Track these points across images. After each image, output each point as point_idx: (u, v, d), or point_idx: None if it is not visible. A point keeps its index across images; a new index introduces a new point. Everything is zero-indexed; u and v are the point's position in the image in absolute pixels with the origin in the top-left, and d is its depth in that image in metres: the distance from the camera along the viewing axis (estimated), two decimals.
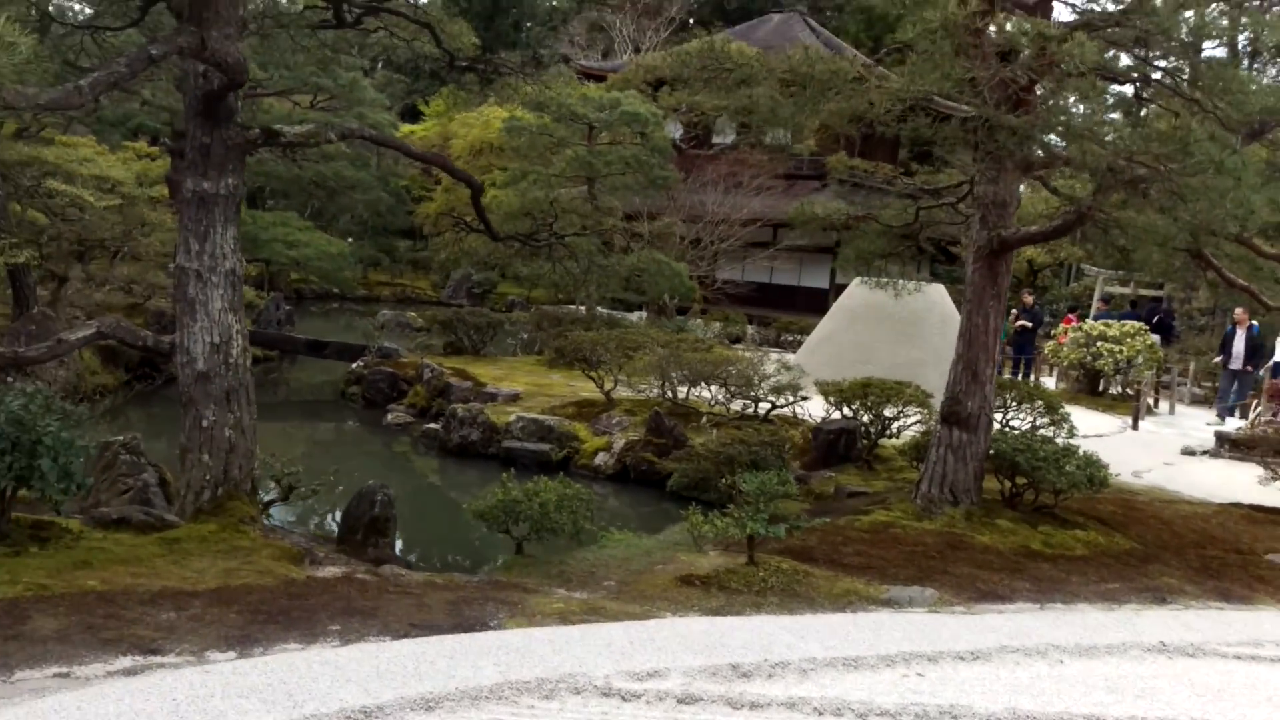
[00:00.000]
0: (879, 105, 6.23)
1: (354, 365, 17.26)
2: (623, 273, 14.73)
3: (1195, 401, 19.35)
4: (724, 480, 8.44)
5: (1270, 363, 16.80)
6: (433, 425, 14.52)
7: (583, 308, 23.98)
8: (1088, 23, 5.86)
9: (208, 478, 7.35)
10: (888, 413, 11.10)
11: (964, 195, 10.96)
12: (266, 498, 7.88)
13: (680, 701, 3.91)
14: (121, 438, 8.20)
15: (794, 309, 29.61)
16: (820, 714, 3.88)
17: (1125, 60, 6.20)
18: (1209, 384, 20.05)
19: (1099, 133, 5.60)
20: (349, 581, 6.40)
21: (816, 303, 30.46)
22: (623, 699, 3.88)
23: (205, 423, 7.35)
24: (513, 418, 13.61)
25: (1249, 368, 17.10)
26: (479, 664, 4.22)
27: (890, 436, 11.24)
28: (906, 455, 9.56)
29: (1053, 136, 6.64)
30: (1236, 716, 4.34)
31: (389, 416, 15.48)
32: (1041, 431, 10.79)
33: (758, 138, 29.58)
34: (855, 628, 5.21)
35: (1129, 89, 6.17)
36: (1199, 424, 16.60)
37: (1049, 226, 8.19)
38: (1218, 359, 18.00)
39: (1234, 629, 5.72)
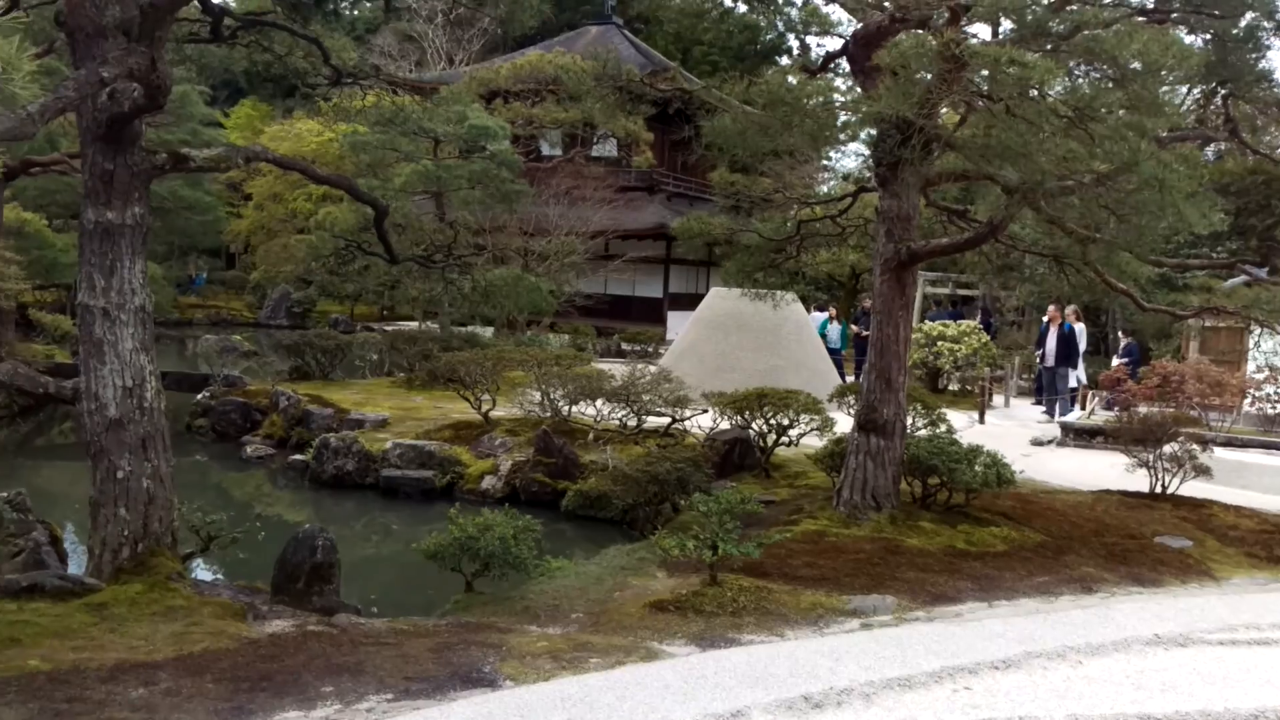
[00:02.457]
0: (852, 128, 6.43)
1: (200, 396, 16.21)
2: (496, 289, 14.50)
3: (1021, 394, 20.71)
4: (663, 501, 8.39)
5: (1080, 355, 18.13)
6: (298, 456, 13.83)
7: (416, 324, 23.38)
8: (1023, 38, 6.24)
9: (126, 533, 6.73)
10: (783, 421, 11.34)
11: (845, 209, 11.38)
12: (185, 550, 7.28)
13: None
14: (5, 494, 7.41)
15: (630, 318, 29.94)
16: None
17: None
18: (1027, 376, 21.52)
19: (1040, 148, 5.94)
20: (315, 636, 5.99)
21: (652, 312, 30.95)
22: None
23: (120, 474, 6.72)
24: (388, 445, 13.13)
25: (1061, 366, 18.14)
26: None
27: (788, 444, 11.49)
28: (822, 464, 9.80)
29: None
30: (1252, 703, 4.69)
31: (248, 449, 14.62)
32: (921, 432, 11.34)
33: (587, 151, 29.77)
34: (878, 644, 5.31)
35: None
36: (1032, 416, 17.80)
37: (960, 239, 8.59)
38: (1039, 353, 19.26)
39: (1203, 615, 6.18)
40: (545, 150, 30.21)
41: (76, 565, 7.72)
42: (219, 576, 9.06)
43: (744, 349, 17.05)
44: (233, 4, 12.38)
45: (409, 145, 19.03)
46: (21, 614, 5.94)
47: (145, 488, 6.80)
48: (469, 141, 19.14)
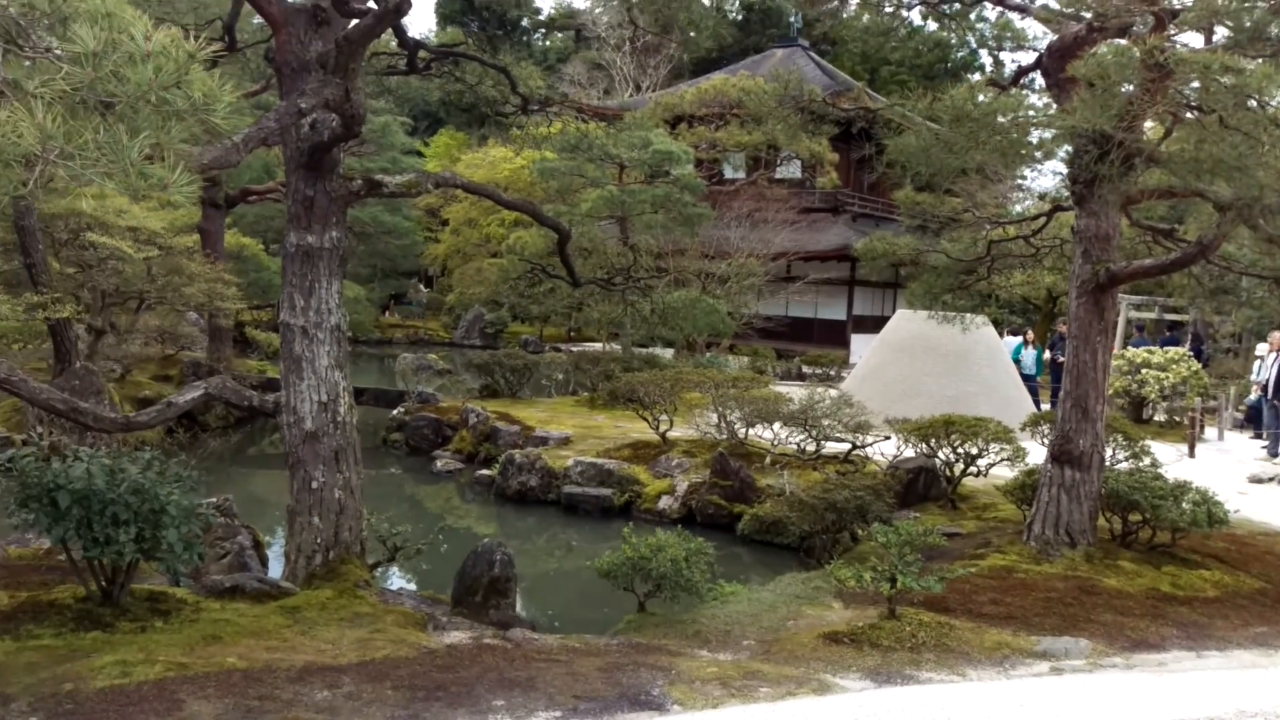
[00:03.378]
0: (1047, 144, 6.14)
1: (395, 411, 16.98)
2: (673, 311, 14.64)
3: (1237, 426, 19.19)
4: (840, 530, 8.17)
5: None
6: (485, 471, 14.25)
7: (601, 345, 23.74)
8: (1238, 44, 5.78)
9: (319, 541, 7.09)
10: (971, 450, 10.87)
11: (1039, 229, 10.86)
12: (371, 559, 7.60)
13: None
14: (214, 499, 7.93)
15: (811, 341, 29.53)
16: None
17: None
18: (1244, 408, 19.83)
19: (1258, 161, 5.47)
20: (489, 649, 6.12)
21: (834, 335, 30.43)
22: None
23: (315, 484, 7.09)
24: (570, 462, 13.36)
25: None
26: None
27: (976, 474, 11.01)
28: (1013, 496, 9.33)
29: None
30: None
31: (438, 463, 15.19)
32: (1122, 465, 10.64)
33: (770, 173, 29.64)
34: (1069, 691, 4.94)
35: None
36: (1250, 450, 16.43)
37: (1165, 260, 8.04)
38: (1257, 382, 17.64)
39: None
40: (728, 173, 30.26)
41: (277, 569, 8.18)
42: (407, 585, 9.41)
43: (931, 374, 16.49)
44: (431, 39, 12.86)
45: (595, 171, 19.42)
46: (224, 613, 6.32)
47: (337, 498, 7.14)
48: (653, 166, 19.39)
